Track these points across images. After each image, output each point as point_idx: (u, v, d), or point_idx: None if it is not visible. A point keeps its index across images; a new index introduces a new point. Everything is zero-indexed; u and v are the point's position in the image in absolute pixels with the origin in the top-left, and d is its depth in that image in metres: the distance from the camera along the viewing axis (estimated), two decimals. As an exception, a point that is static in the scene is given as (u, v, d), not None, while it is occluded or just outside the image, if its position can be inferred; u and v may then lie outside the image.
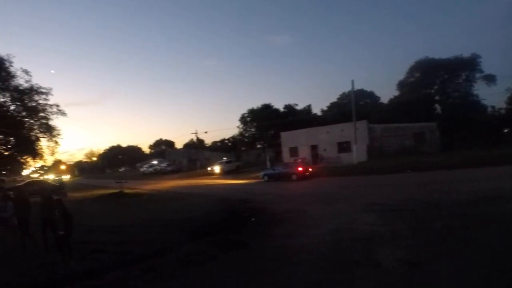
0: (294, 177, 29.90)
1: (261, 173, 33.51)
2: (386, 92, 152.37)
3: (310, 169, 31.58)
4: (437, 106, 56.53)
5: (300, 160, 41.99)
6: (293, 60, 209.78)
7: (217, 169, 49.99)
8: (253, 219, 13.33)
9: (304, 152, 46.00)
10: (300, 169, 30.44)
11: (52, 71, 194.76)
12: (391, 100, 63.37)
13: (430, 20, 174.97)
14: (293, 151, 47.82)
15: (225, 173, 48.13)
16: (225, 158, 61.43)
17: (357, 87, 51.02)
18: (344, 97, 66.62)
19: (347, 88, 67.02)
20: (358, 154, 38.11)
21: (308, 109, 72.53)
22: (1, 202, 11.16)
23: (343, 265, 7.03)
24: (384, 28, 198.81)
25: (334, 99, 72.79)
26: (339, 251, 8.08)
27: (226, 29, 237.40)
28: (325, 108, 72.76)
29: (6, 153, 33.21)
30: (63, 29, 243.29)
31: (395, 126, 42.53)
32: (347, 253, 7.86)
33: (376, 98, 69.90)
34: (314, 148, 45.85)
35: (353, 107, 38.57)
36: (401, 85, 59.91)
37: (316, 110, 75.02)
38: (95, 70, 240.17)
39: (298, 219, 12.31)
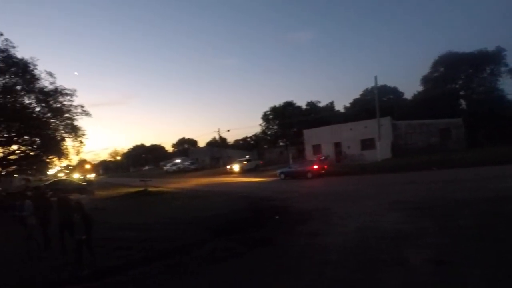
0: (309, 175, 30.13)
1: (278, 171, 33.89)
2: (410, 88, 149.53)
3: (326, 167, 31.76)
4: (462, 102, 55.20)
5: (323, 157, 41.95)
6: (315, 56, 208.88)
7: (236, 167, 49.98)
8: (277, 217, 13.31)
9: (328, 150, 45.65)
10: (315, 167, 30.63)
11: (76, 73, 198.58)
12: (414, 96, 62.35)
13: (453, 14, 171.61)
14: (316, 149, 47.34)
15: (244, 172, 48.14)
16: (247, 156, 61.63)
17: (380, 82, 50.16)
18: (367, 93, 65.81)
19: (370, 84, 66.28)
20: (382, 151, 37.76)
21: (330, 106, 72.21)
22: (19, 201, 11.38)
23: (369, 264, 7.03)
24: (407, 23, 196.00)
25: (357, 95, 71.89)
26: (365, 249, 8.08)
27: (247, 27, 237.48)
28: (348, 105, 72.02)
29: (31, 153, 34.08)
30: (87, 32, 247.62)
31: (420, 123, 41.92)
32: (373, 251, 7.85)
33: (400, 94, 68.74)
34: (337, 145, 45.42)
35: (376, 103, 38.26)
36: (425, 80, 58.64)
37: (339, 107, 74.66)
38: (119, 71, 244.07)
39: (323, 217, 12.31)
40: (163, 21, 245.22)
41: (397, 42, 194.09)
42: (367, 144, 42.26)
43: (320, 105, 71.29)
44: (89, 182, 40.74)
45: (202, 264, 8.22)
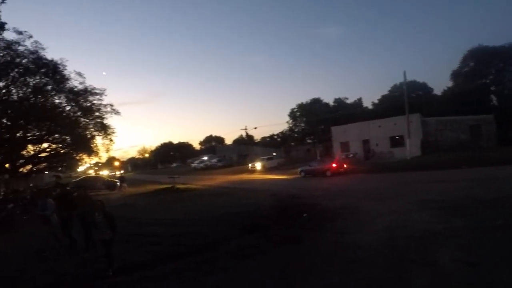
0: (328, 173, 30.12)
1: (299, 169, 34.04)
2: (439, 83, 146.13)
3: (345, 166, 31.68)
4: (493, 97, 53.24)
5: (351, 155, 41.42)
6: (343, 52, 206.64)
7: (258, 166, 49.34)
8: (304, 214, 13.16)
9: (356, 147, 44.99)
10: (334, 165, 30.66)
11: (104, 73, 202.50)
12: (444, 92, 60.54)
13: (483, 7, 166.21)
14: (344, 146, 46.72)
15: (266, 170, 47.63)
16: (274, 154, 61.37)
17: (409, 78, 48.91)
18: (395, 89, 64.36)
19: (398, 80, 64.70)
20: (411, 149, 36.91)
21: (358, 103, 71.13)
22: (41, 200, 11.20)
23: (398, 263, 6.89)
24: (436, 17, 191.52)
25: (385, 91, 70.50)
26: (394, 248, 7.91)
27: (274, 23, 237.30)
28: (376, 101, 70.82)
29: (62, 151, 34.99)
30: (114, 32, 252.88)
31: (450, 119, 40.65)
32: (402, 251, 7.68)
33: (429, 90, 66.83)
34: (366, 142, 44.67)
35: (405, 99, 37.48)
36: (455, 75, 56.85)
37: (367, 103, 73.37)
38: (146, 71, 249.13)
39: (351, 215, 12.10)
40: (190, 20, 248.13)
41: (426, 36, 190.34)
42: (396, 141, 41.50)
43: (348, 101, 70.55)
44: (122, 178, 41.44)
45: (230, 260, 8.22)
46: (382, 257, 7.41)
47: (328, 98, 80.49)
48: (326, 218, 12.21)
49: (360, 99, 72.37)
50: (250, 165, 51.55)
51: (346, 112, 58.83)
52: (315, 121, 62.34)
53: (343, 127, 48.07)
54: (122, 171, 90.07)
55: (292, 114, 70.40)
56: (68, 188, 26.17)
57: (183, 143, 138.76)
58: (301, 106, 68.79)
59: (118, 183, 37.43)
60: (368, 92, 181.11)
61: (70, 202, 11.09)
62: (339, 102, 69.00)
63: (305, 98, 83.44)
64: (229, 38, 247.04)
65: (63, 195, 11.81)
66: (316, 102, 67.87)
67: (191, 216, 15.15)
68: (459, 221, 9.80)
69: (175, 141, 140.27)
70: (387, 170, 28.91)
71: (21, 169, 34.13)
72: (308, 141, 70.32)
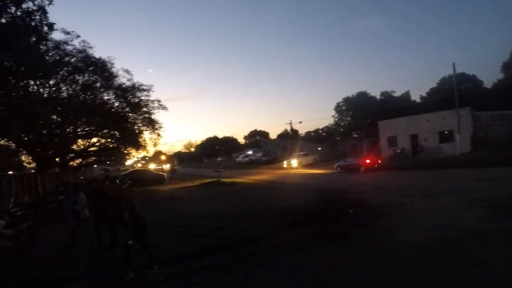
0: (362, 169, 30.31)
1: (336, 164, 34.68)
2: (490, 75, 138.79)
3: (380, 162, 32.13)
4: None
5: (398, 150, 40.36)
6: (389, 44, 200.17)
7: (294, 163, 47.90)
8: (351, 210, 12.92)
9: (404, 142, 43.40)
10: (367, 161, 31.01)
11: (150, 70, 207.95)
12: (494, 84, 57.76)
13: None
14: (392, 141, 45.23)
15: (303, 167, 46.59)
16: (319, 148, 60.71)
17: (458, 70, 46.44)
18: (444, 82, 61.81)
19: (447, 72, 62.15)
20: (461, 144, 35.26)
21: (406, 96, 68.99)
22: (72, 194, 11.07)
23: (447, 263, 6.56)
24: (485, 6, 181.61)
25: (433, 84, 67.90)
26: (442, 248, 7.53)
27: (318, 15, 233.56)
28: (424, 95, 68.42)
29: (110, 145, 36.23)
30: (159, 30, 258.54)
31: (502, 113, 38.26)
32: (452, 250, 7.31)
33: (479, 83, 63.50)
34: (414, 138, 42.90)
35: (455, 92, 35.87)
36: (506, 67, 53.83)
37: (415, 96, 71.10)
38: (191, 67, 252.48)
39: (399, 213, 11.70)
40: (233, 15, 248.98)
41: (476, 26, 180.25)
42: (446, 136, 39.49)
43: (395, 95, 68.55)
44: (173, 170, 42.57)
45: (275, 255, 8.15)
46: (430, 256, 7.09)
47: (375, 92, 78.87)
48: (372, 214, 11.91)
49: (407, 92, 70.28)
50: (285, 162, 50.27)
51: (393, 106, 57.05)
52: (361, 115, 60.98)
53: (390, 121, 46.43)
54: (174, 164, 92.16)
55: (338, 108, 69.36)
56: (117, 181, 27.25)
57: (228, 137, 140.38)
58: (347, 100, 67.62)
59: (166, 176, 38.38)
60: (416, 85, 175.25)
61: (103, 198, 10.28)
62: (386, 95, 67.23)
63: (351, 92, 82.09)
64: (273, 32, 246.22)
65: (97, 190, 11.10)
66: (362, 95, 66.48)
67: (236, 210, 15.30)
68: (511, 222, 9.23)
69: (220, 136, 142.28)
70: (433, 167, 27.72)
71: (71, 163, 35.73)
72: (354, 135, 68.96)
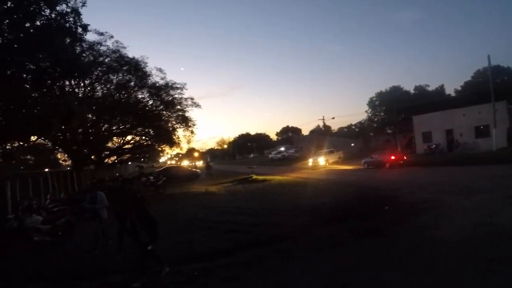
0: (387, 165, 30.67)
1: (363, 161, 35.44)
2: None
3: (405, 158, 32.30)
4: None
5: (433, 145, 39.41)
6: (422, 37, 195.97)
7: (321, 161, 44.16)
8: (386, 207, 12.69)
9: (439, 138, 42.08)
10: (392, 157, 31.54)
11: (182, 69, 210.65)
12: (532, 76, 55.34)
13: None
14: (427, 136, 43.98)
15: (330, 164, 44.85)
16: (352, 144, 59.93)
17: (493, 63, 44.44)
18: (478, 75, 59.49)
19: (482, 65, 60.03)
20: (497, 139, 33.95)
21: (440, 90, 66.92)
22: (89, 193, 10.75)
23: (484, 262, 6.34)
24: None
25: (468, 77, 65.53)
26: (479, 246, 7.32)
27: (350, 10, 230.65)
28: (459, 88, 66.25)
29: (145, 143, 36.99)
30: (192, 29, 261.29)
31: (540, 107, 36.96)
32: (488, 249, 7.08)
33: (515, 75, 61.38)
34: (449, 133, 41.54)
35: (491, 85, 34.57)
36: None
37: (449, 90, 68.93)
38: (224, 65, 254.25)
39: (434, 210, 11.38)
40: (264, 12, 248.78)
41: (511, 18, 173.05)
42: (482, 131, 38.06)
43: (429, 89, 66.60)
44: (209, 166, 43.21)
45: (310, 251, 8.14)
46: (466, 254, 6.91)
47: (409, 86, 76.99)
48: (407, 211, 11.67)
49: (442, 86, 67.89)
50: (311, 160, 46.52)
51: (428, 101, 55.51)
52: (395, 110, 59.70)
53: (425, 116, 45.12)
54: (208, 161, 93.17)
55: (371, 103, 68.07)
56: (151, 178, 27.85)
57: (260, 134, 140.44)
58: (380, 95, 66.23)
59: (200, 173, 38.83)
60: (450, 78, 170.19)
61: (124, 197, 9.45)
62: (420, 89, 65.31)
63: (385, 86, 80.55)
64: (306, 27, 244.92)
65: (117, 189, 10.82)
66: (396, 90, 64.94)
67: (270, 206, 15.26)
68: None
69: (252, 132, 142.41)
70: (466, 163, 26.85)
71: (106, 160, 36.65)
72: (388, 131, 67.65)
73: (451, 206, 11.76)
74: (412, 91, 65.27)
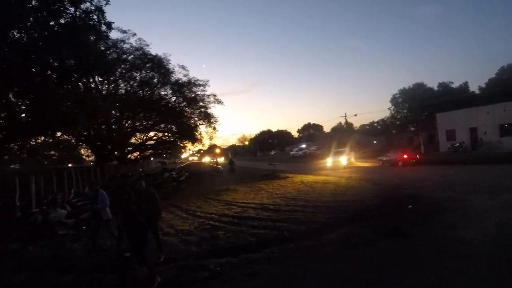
0: (400, 163, 31.07)
1: (379, 158, 36.81)
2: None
3: (417, 157, 32.99)
4: None
5: (457, 144, 38.74)
6: (446, 33, 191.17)
7: (343, 160, 37.64)
8: (410, 206, 12.57)
9: (462, 136, 41.27)
10: (405, 156, 31.93)
11: (204, 66, 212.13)
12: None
13: None
14: (450, 134, 43.35)
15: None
16: (374, 142, 59.26)
17: None
18: (503, 71, 58.08)
19: (506, 62, 58.64)
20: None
21: (464, 87, 65.71)
22: (92, 191, 10.35)
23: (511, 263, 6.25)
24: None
25: (492, 74, 64.16)
26: (506, 247, 7.17)
27: (372, 6, 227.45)
28: (483, 85, 64.86)
29: (167, 139, 37.43)
30: (213, 26, 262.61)
31: None
32: None
33: (540, 71, 59.60)
34: (473, 131, 40.80)
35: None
36: None
37: (473, 87, 67.54)
38: (245, 61, 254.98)
39: (459, 209, 11.14)
40: (285, 8, 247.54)
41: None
42: (506, 129, 37.30)
43: (453, 86, 65.48)
44: (232, 162, 43.59)
45: (335, 249, 8.09)
46: (493, 255, 6.77)
47: (432, 83, 75.69)
48: (432, 210, 11.48)
49: (466, 83, 66.84)
50: (329, 160, 39.42)
51: (451, 98, 54.50)
52: (418, 108, 58.84)
53: (448, 113, 44.49)
54: (231, 157, 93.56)
55: (394, 100, 67.38)
56: (174, 173, 28.18)
57: (281, 131, 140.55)
58: (403, 92, 65.48)
59: (221, 169, 39.12)
60: (474, 75, 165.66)
61: (127, 196, 9.46)
62: (444, 86, 64.29)
63: (408, 83, 79.33)
64: (328, 24, 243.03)
65: (119, 187, 10.75)
66: (419, 87, 64.07)
67: (292, 203, 15.27)
68: None
69: (273, 129, 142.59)
70: (493, 162, 26.08)
71: (129, 156, 37.22)
72: (411, 128, 66.72)
73: (476, 205, 11.52)
74: (435, 88, 64.35)
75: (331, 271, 6.71)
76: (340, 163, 36.07)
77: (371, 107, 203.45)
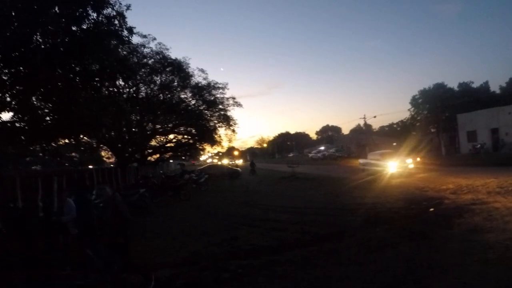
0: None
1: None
2: None
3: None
4: None
5: (478, 145, 38.04)
6: (464, 31, 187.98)
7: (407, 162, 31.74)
8: (431, 209, 12.42)
9: (484, 137, 40.55)
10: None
11: (222, 69, 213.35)
12: None
13: None
14: (471, 136, 42.64)
15: None
16: (394, 144, 58.71)
17: None
18: (524, 70, 57.18)
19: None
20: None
21: (485, 87, 64.49)
22: (62, 201, 8.84)
23: None
24: None
25: (513, 73, 63.01)
26: None
27: (391, 5, 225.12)
28: (503, 85, 63.54)
29: (187, 141, 37.80)
30: (232, 29, 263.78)
31: None
32: None
33: (563, 70, 58.09)
34: (495, 132, 40.07)
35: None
36: None
37: (494, 87, 66.34)
38: (263, 64, 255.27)
39: (483, 212, 10.89)
40: (303, 9, 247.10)
41: None
42: (528, 130, 36.51)
43: (474, 86, 64.41)
44: (253, 163, 43.93)
45: (357, 252, 8.06)
46: None
47: (452, 83, 74.50)
48: (453, 213, 11.25)
49: (486, 83, 65.60)
50: (391, 163, 26.69)
51: (472, 98, 53.50)
52: (438, 108, 57.99)
53: (469, 114, 43.79)
54: (241, 160, 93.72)
55: (414, 101, 66.49)
56: (193, 175, 28.47)
57: (300, 133, 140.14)
58: (423, 92, 64.56)
59: (240, 171, 39.37)
60: (495, 74, 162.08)
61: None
62: (464, 86, 63.26)
63: (428, 84, 78.28)
64: (346, 24, 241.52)
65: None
66: (439, 87, 63.01)
67: (313, 205, 15.31)
68: None
69: (292, 131, 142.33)
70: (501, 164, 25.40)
71: (149, 158, 37.74)
72: (432, 130, 65.77)
73: (499, 208, 11.28)
74: (456, 88, 63.35)
75: (353, 275, 6.69)
76: (406, 167, 25.58)
77: (390, 108, 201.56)
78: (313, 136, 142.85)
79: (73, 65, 13.86)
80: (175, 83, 32.27)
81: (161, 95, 32.44)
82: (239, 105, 35.77)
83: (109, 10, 14.12)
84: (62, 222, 8.23)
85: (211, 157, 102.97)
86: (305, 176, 30.69)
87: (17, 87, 13.32)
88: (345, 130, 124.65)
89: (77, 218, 7.91)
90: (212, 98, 34.36)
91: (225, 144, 40.97)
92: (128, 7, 14.88)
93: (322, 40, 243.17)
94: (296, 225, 11.26)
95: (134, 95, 30.42)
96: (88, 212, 8.02)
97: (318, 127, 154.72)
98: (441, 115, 58.59)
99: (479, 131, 41.67)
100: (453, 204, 12.84)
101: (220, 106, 35.32)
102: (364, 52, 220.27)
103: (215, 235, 10.84)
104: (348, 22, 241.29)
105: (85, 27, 13.56)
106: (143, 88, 31.61)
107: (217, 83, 34.00)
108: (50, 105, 14.50)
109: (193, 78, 32.60)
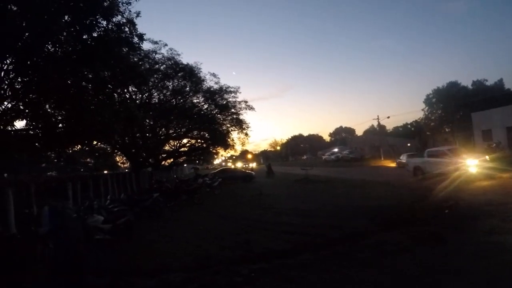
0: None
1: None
2: None
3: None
4: None
5: (493, 145, 37.43)
6: (478, 29, 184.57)
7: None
8: (446, 211, 12.11)
9: (499, 136, 39.41)
10: None
11: (234, 73, 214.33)
12: None
13: None
14: (486, 135, 41.67)
15: None
16: (408, 144, 58.26)
17: None
18: (538, 66, 56.24)
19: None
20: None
21: (499, 84, 63.56)
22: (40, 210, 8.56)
23: None
24: None
25: (527, 69, 62.14)
26: None
27: (403, 4, 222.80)
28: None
29: (200, 145, 38.05)
30: (243, 34, 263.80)
31: None
32: None
33: None
34: (510, 130, 39.06)
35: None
36: None
37: (509, 84, 65.49)
38: (275, 67, 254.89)
39: (499, 214, 10.60)
40: (315, 9, 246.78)
41: None
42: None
43: (488, 83, 63.54)
44: (269, 166, 44.13)
45: (371, 256, 7.95)
46: None
47: (466, 81, 73.55)
48: (469, 215, 11.02)
49: (500, 80, 64.70)
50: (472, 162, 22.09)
51: (487, 96, 52.62)
52: (453, 107, 57.33)
53: (484, 113, 42.95)
54: (254, 163, 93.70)
55: (428, 101, 65.97)
56: (207, 179, 28.60)
57: (312, 135, 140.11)
58: (437, 91, 63.99)
59: (253, 174, 39.48)
60: (508, 71, 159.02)
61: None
62: (478, 84, 62.51)
63: (442, 83, 77.44)
64: (357, 24, 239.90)
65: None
66: (453, 86, 62.42)
67: (326, 208, 15.25)
68: None
69: (305, 133, 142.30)
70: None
71: (163, 162, 38.07)
72: (446, 129, 65.03)
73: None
74: (470, 86, 62.62)
75: (367, 278, 6.61)
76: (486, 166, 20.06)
77: (404, 108, 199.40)
78: (327, 138, 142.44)
79: (84, 73, 14.06)
80: (187, 88, 32.61)
81: (173, 100, 32.73)
82: (251, 108, 36.12)
83: (119, 17, 14.33)
84: (40, 233, 7.66)
85: (225, 160, 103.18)
86: (318, 178, 30.59)
87: (30, 96, 13.57)
88: (359, 132, 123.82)
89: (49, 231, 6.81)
90: (224, 102, 34.76)
91: (238, 148, 41.15)
92: (138, 14, 15.08)
93: (332, 41, 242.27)
94: (309, 228, 11.25)
95: (147, 100, 30.79)
96: (62, 224, 6.64)
97: (331, 129, 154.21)
98: (456, 114, 57.91)
99: (494, 129, 40.79)
100: (468, 205, 12.63)
101: (233, 110, 35.79)
102: (376, 52, 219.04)
103: (228, 238, 10.82)
104: (359, 23, 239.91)
105: (95, 35, 13.78)
106: (155, 94, 32.03)
107: (229, 87, 34.41)
108: (63, 113, 14.72)
109: (205, 83, 32.99)
